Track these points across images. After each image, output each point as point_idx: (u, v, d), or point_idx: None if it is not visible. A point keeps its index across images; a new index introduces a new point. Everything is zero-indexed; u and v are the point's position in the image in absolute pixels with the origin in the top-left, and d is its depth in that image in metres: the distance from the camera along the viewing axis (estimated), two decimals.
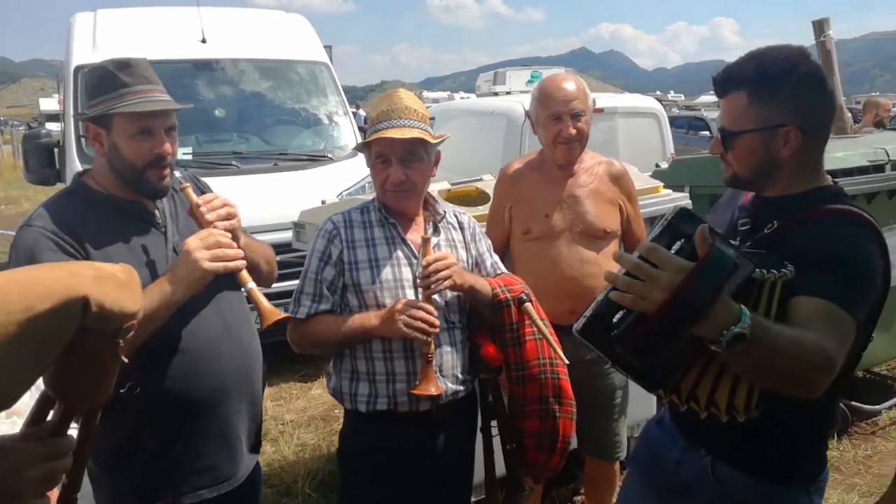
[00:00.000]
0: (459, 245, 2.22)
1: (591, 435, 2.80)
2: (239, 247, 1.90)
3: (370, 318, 2.01)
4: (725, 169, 1.69)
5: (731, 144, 1.64)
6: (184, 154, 5.24)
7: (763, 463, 1.66)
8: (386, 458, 2.07)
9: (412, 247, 2.12)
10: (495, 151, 6.22)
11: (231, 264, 1.85)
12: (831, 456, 3.80)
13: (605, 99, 7.08)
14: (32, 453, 0.95)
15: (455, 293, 2.12)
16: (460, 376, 2.12)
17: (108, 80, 1.83)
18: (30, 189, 14.72)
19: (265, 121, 6.32)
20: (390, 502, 2.10)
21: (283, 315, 1.91)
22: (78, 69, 5.58)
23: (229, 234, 1.87)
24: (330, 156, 5.92)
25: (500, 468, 2.30)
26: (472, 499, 2.40)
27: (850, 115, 6.74)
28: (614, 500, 3.16)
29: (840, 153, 4.06)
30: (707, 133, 17.23)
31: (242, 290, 1.92)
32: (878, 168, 4.09)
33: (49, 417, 1.02)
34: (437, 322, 1.97)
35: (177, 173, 1.90)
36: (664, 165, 5.07)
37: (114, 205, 1.89)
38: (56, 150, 5.95)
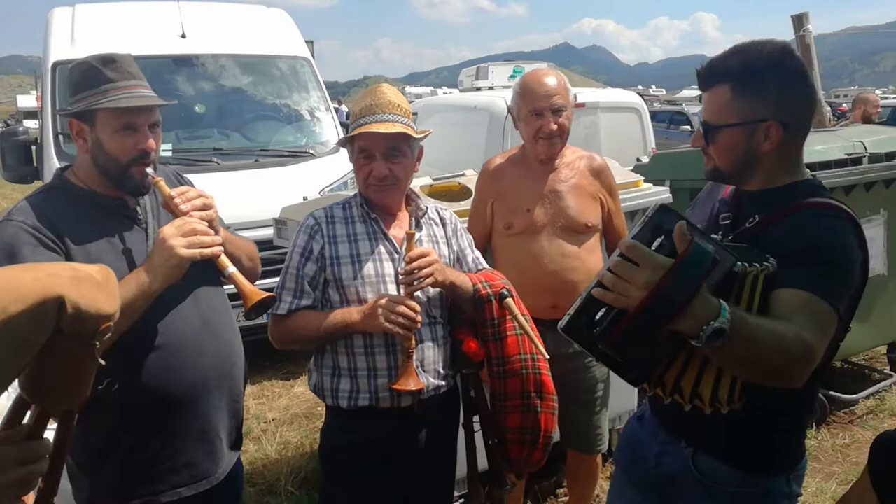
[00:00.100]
0: (441, 240, 2.22)
1: (573, 428, 2.82)
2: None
3: (352, 314, 2.01)
4: (706, 162, 1.71)
5: (713, 138, 1.65)
6: (163, 151, 5.19)
7: (744, 453, 1.69)
8: (368, 453, 2.07)
9: (394, 242, 2.11)
10: (478, 147, 6.22)
11: (207, 251, 1.84)
12: (810, 445, 3.86)
13: (587, 94, 7.11)
14: (7, 457, 0.94)
15: (437, 289, 2.12)
16: (442, 371, 2.12)
17: (92, 75, 1.82)
18: (7, 187, 14.56)
19: (246, 117, 6.27)
20: (372, 498, 2.10)
21: (265, 294, 1.90)
22: (56, 65, 5.51)
23: (205, 223, 1.86)
24: (312, 152, 5.89)
25: (483, 463, 2.31)
26: (456, 493, 2.41)
27: (829, 108, 6.80)
28: (596, 492, 3.19)
29: (819, 146, 4.10)
30: (688, 127, 17.37)
31: (223, 275, 1.90)
32: (856, 161, 4.14)
33: (25, 420, 1.00)
34: (418, 317, 1.97)
35: (149, 170, 1.88)
36: (645, 160, 5.09)
37: (95, 201, 1.88)
38: (34, 147, 5.89)
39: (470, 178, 3.31)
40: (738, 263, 1.45)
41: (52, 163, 5.17)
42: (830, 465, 3.82)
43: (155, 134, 1.89)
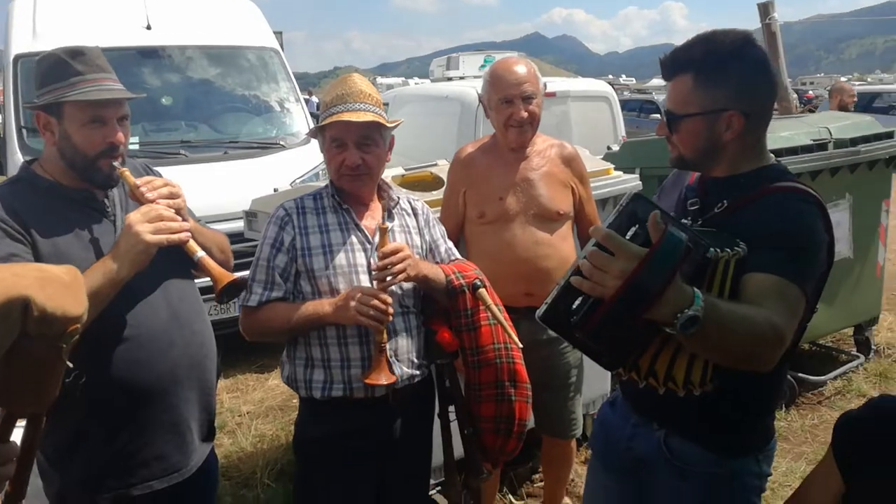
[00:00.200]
0: (413, 231, 2.21)
1: (548, 414, 2.84)
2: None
3: (323, 305, 2.00)
4: (671, 150, 1.73)
5: (676, 127, 1.67)
6: (130, 144, 5.10)
7: (715, 434, 1.72)
8: (342, 444, 2.07)
9: (366, 232, 2.10)
10: (450, 136, 6.22)
11: (175, 236, 1.82)
12: (779, 426, 3.93)
13: (558, 83, 7.14)
14: None
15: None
16: (416, 361, 2.12)
17: (59, 67, 1.80)
18: None
19: (214, 108, 6.18)
20: (348, 489, 2.10)
21: (235, 276, 1.89)
22: (18, 58, 5.39)
23: (173, 210, 1.85)
24: (282, 143, 5.83)
25: (459, 451, 2.31)
26: (432, 482, 2.42)
27: (795, 96, 6.91)
28: (571, 476, 3.22)
29: (785, 133, 4.16)
30: (658, 116, 17.52)
31: (193, 260, 1.88)
32: (822, 147, 4.21)
33: None
34: (390, 309, 1.97)
35: (115, 163, 1.86)
36: (615, 148, 5.13)
37: (63, 193, 1.87)
38: None
39: (442, 168, 3.30)
40: (711, 249, 1.47)
41: (17, 157, 5.06)
42: (800, 446, 3.90)
43: (123, 127, 1.88)
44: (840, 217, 4.28)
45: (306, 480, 2.17)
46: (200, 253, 1.88)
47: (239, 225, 3.92)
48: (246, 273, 2.09)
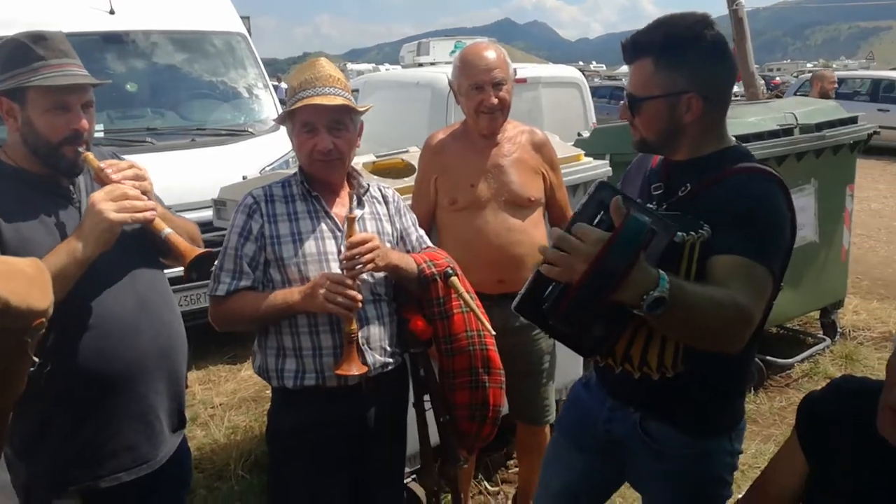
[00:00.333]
0: (384, 218, 2.19)
1: (522, 400, 2.85)
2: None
3: (292, 294, 1.98)
4: (633, 133, 1.76)
5: (638, 110, 1.69)
6: (95, 132, 4.99)
7: (688, 417, 1.76)
8: (316, 434, 2.05)
9: (336, 220, 2.08)
10: (421, 123, 6.20)
11: (139, 215, 1.79)
12: (748, 409, 4.00)
13: (529, 69, 7.15)
14: None
15: None
16: (388, 349, 2.11)
17: (22, 52, 1.76)
18: None
19: (181, 95, 6.07)
20: (322, 479, 2.08)
21: (202, 250, 1.86)
22: None
23: (139, 191, 1.82)
24: (251, 130, 5.75)
25: (434, 438, 2.32)
26: (407, 469, 2.42)
27: (762, 82, 7.00)
28: None
29: (752, 118, 4.21)
30: None
31: (160, 237, 1.85)
32: (788, 132, 4.27)
33: None
34: (359, 296, 1.95)
35: (80, 149, 1.82)
36: (586, 134, 5.15)
37: (27, 179, 1.83)
38: None
39: (413, 155, 3.29)
40: (679, 233, 1.49)
41: None
42: (768, 428, 3.97)
43: (88, 114, 1.85)
44: (806, 202, 4.34)
45: (280, 471, 2.15)
46: (167, 230, 1.85)
47: (208, 214, 3.87)
48: (217, 249, 2.07)
